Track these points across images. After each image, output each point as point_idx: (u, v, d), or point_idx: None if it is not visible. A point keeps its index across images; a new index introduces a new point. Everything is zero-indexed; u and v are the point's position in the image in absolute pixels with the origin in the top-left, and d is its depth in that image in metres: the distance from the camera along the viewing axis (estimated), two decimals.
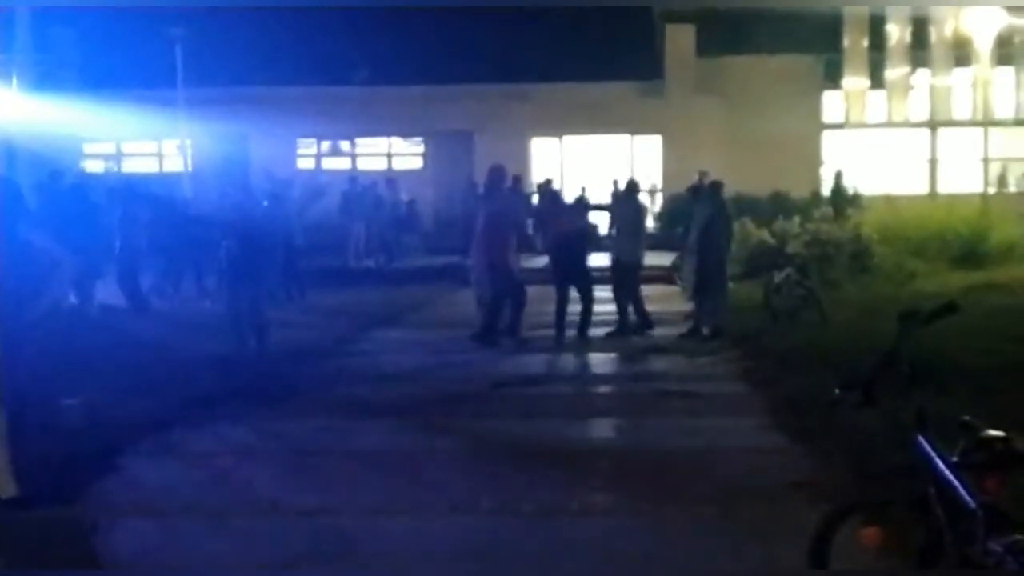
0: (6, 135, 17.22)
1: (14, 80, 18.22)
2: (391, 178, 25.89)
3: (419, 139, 30.52)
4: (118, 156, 30.40)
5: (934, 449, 4.05)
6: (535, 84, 28.96)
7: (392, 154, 30.66)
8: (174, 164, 28.46)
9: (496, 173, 13.82)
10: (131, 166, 29.35)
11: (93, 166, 27.98)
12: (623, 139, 29.40)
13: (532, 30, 29.06)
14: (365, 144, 30.90)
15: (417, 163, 30.40)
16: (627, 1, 29.06)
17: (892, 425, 5.62)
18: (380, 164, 29.99)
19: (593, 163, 27.13)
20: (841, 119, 30.19)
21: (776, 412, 9.17)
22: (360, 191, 24.01)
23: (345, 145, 31.12)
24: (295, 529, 6.34)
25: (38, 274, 7.09)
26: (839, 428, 7.58)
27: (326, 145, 31.08)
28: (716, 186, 14.50)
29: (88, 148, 28.86)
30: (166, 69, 25.18)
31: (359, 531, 6.29)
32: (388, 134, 30.51)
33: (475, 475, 7.46)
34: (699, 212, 14.05)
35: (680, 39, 29.36)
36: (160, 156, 30.29)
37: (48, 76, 24.04)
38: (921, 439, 4.08)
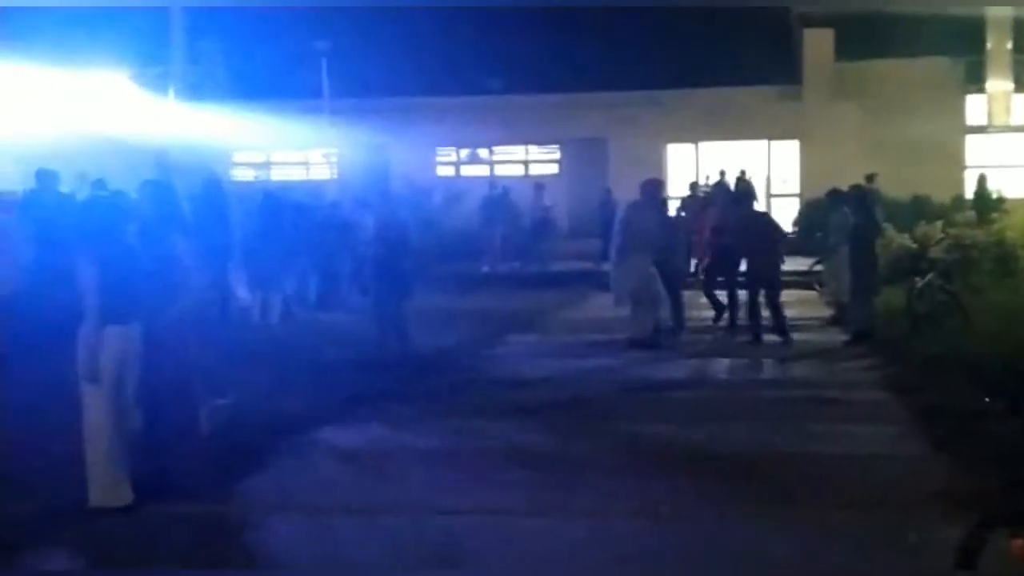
0: (163, 143, 18.03)
1: (171, 91, 19.05)
2: (539, 183, 25.87)
3: (555, 146, 30.75)
4: (267, 165, 31.42)
5: None
6: (670, 90, 28.88)
7: (529, 161, 30.97)
8: (320, 172, 29.33)
9: (653, 186, 14.27)
10: (279, 175, 30.30)
11: (242, 175, 28.91)
12: (760, 145, 29.13)
13: (667, 36, 28.95)
14: (503, 151, 31.27)
15: (553, 169, 30.64)
16: (765, 1, 28.82)
17: None
18: (517, 171, 30.33)
19: (730, 169, 26.87)
20: (984, 122, 29.44)
21: (918, 420, 9.07)
22: (499, 196, 24.34)
23: (483, 152, 31.54)
24: (432, 528, 6.50)
25: (176, 280, 7.34)
26: (984, 437, 7.51)
27: (465, 153, 31.55)
28: (862, 190, 14.51)
29: (238, 157, 29.84)
30: (312, 81, 25.97)
31: (496, 532, 6.46)
32: (525, 142, 30.82)
33: (611, 479, 7.54)
34: (851, 216, 13.99)
35: (818, 43, 29.01)
36: (307, 165, 31.25)
37: (199, 87, 25.02)
38: None
